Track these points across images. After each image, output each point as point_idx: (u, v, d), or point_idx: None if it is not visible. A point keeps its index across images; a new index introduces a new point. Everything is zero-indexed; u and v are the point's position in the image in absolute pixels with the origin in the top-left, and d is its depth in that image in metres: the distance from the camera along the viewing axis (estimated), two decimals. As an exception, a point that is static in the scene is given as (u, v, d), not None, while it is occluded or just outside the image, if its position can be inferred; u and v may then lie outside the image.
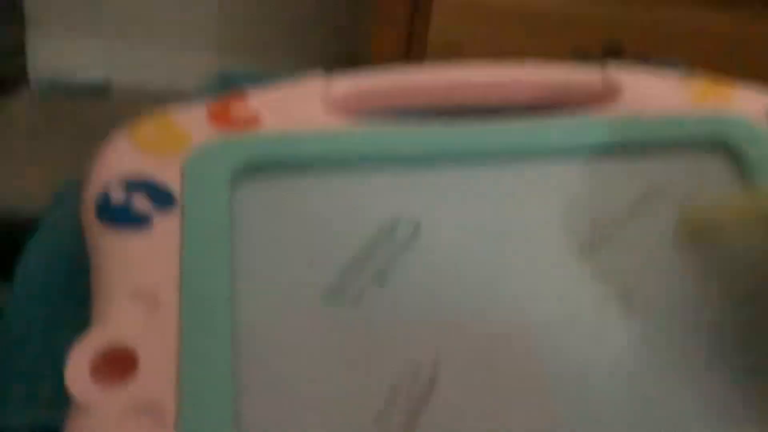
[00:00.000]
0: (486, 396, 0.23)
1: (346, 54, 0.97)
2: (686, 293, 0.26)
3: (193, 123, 0.28)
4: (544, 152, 0.28)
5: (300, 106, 0.29)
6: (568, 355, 0.24)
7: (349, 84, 0.30)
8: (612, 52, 0.70)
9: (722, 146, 0.29)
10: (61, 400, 0.22)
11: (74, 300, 0.28)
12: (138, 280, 0.24)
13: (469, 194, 0.27)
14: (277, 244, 0.26)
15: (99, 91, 0.93)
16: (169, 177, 0.26)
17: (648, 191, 0.28)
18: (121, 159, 0.27)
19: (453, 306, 0.25)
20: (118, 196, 0.26)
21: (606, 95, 0.30)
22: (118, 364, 0.23)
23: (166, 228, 0.25)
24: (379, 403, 0.23)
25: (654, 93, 0.30)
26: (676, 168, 0.28)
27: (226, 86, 0.32)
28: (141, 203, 0.26)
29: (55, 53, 0.95)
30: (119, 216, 0.25)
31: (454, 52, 0.71)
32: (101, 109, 0.77)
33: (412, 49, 0.74)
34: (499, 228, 0.27)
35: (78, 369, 0.22)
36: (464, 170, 0.28)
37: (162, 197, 0.26)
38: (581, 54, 0.69)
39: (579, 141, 0.29)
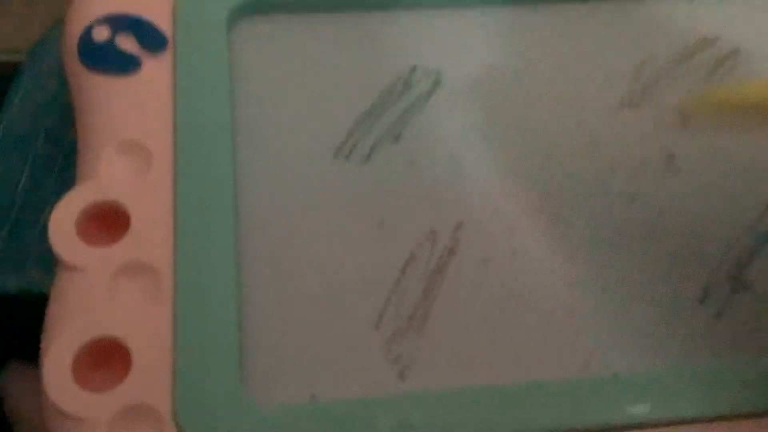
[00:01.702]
0: (508, 267, 0.21)
1: None
2: (734, 159, 0.23)
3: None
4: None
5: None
6: (601, 216, 0.22)
7: None
8: None
9: None
10: (49, 263, 0.21)
11: (61, 154, 0.26)
12: (127, 130, 0.22)
13: (495, 39, 0.24)
14: (280, 93, 0.23)
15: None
16: (160, 16, 0.23)
17: (700, 41, 0.25)
18: (105, -4, 0.24)
19: (475, 165, 0.23)
20: (102, 35, 0.23)
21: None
22: (108, 223, 0.21)
23: (156, 72, 0.22)
24: (394, 272, 0.21)
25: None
26: (735, 15, 0.25)
27: None
28: (128, 44, 0.23)
29: None
30: (104, 57, 0.23)
31: None
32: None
33: None
34: (528, 78, 0.24)
35: (63, 227, 0.20)
36: (490, 11, 0.25)
37: (151, 38, 0.23)
38: None
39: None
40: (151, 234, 0.20)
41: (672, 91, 0.24)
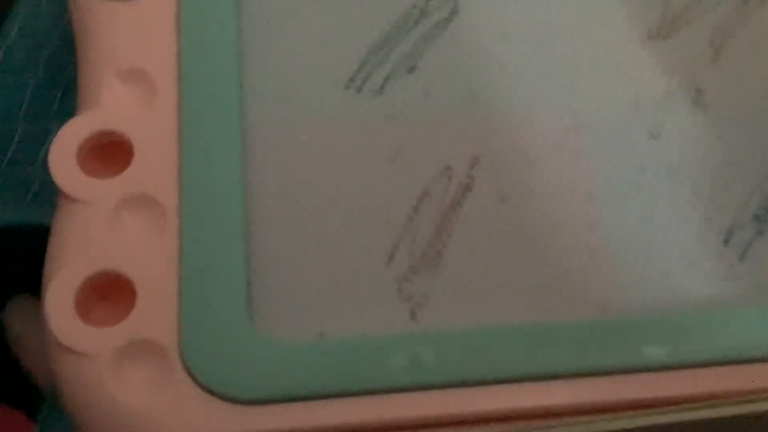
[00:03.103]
0: (525, 204, 0.21)
1: None
2: (766, 96, 0.22)
3: None
4: None
5: None
6: (623, 153, 0.21)
7: None
8: None
9: None
10: (50, 195, 0.20)
11: (62, 83, 0.25)
12: (129, 57, 0.21)
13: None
14: (289, 21, 0.22)
15: None
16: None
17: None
18: None
19: (493, 101, 0.22)
20: (101, -45, 0.22)
21: None
22: (110, 156, 0.20)
23: (159, -4, 0.21)
24: (407, 209, 0.20)
25: None
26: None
27: None
28: (130, -33, 0.22)
29: None
30: (103, -21, 0.21)
31: None
32: None
33: None
34: (550, 8, 0.23)
35: (64, 157, 0.20)
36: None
37: (154, -41, 0.22)
38: None
39: None
40: (155, 165, 0.20)
41: (702, 22, 0.23)
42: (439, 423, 0.18)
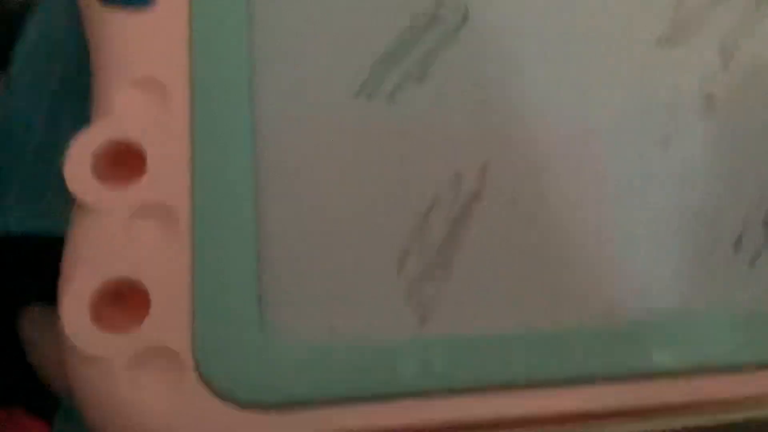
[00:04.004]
0: (535, 211, 0.21)
1: None
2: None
3: None
4: None
5: None
6: (633, 158, 0.21)
7: None
8: None
9: None
10: (65, 203, 0.20)
11: (76, 93, 0.26)
12: (142, 67, 0.21)
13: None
14: (300, 28, 0.22)
15: None
16: (176, -52, 0.23)
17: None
18: (120, -73, 0.23)
19: (504, 108, 0.22)
20: (115, -33, 0.22)
21: None
22: (124, 164, 0.20)
23: (172, 6, 0.22)
24: (417, 216, 0.20)
25: None
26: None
27: None
28: (143, -23, 0.22)
29: None
30: (118, -9, 0.22)
31: None
32: None
33: None
34: (560, 14, 0.23)
35: (79, 165, 0.20)
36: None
37: (167, -29, 0.22)
38: None
39: None
40: (167, 174, 0.20)
41: (712, 28, 0.23)
42: (448, 428, 0.18)
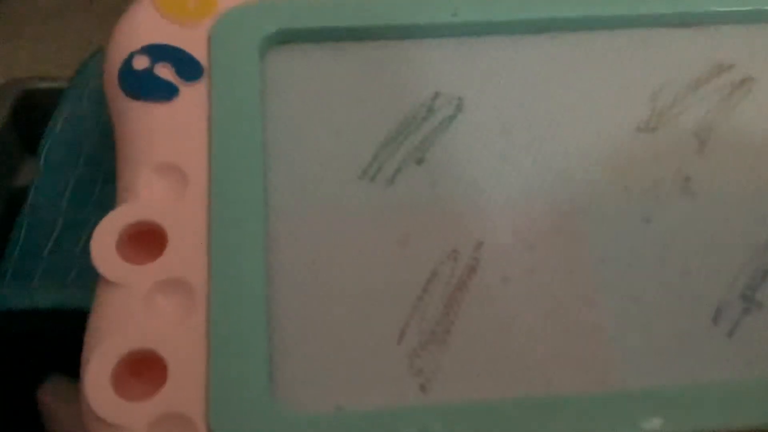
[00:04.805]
0: (527, 284, 0.22)
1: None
2: (749, 183, 0.24)
3: (219, -12, 0.26)
4: (601, 21, 0.26)
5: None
6: (617, 236, 0.23)
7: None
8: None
9: None
10: (88, 279, 0.22)
11: (101, 176, 0.27)
12: (164, 154, 0.23)
13: (516, 67, 0.25)
14: (309, 119, 0.24)
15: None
16: (196, 46, 0.25)
17: (715, 67, 0.26)
18: (145, 27, 0.25)
19: (496, 188, 0.24)
20: (141, 64, 0.24)
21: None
22: (145, 242, 0.22)
23: (193, 99, 0.24)
24: (417, 289, 0.22)
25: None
26: (750, 42, 0.26)
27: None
28: (166, 73, 0.24)
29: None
30: (143, 85, 0.24)
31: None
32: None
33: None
34: (547, 103, 0.25)
35: (104, 245, 0.21)
36: (511, 41, 0.26)
37: (188, 66, 0.24)
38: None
39: (641, 9, 0.26)
40: (186, 252, 0.21)
41: (688, 116, 0.25)
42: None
